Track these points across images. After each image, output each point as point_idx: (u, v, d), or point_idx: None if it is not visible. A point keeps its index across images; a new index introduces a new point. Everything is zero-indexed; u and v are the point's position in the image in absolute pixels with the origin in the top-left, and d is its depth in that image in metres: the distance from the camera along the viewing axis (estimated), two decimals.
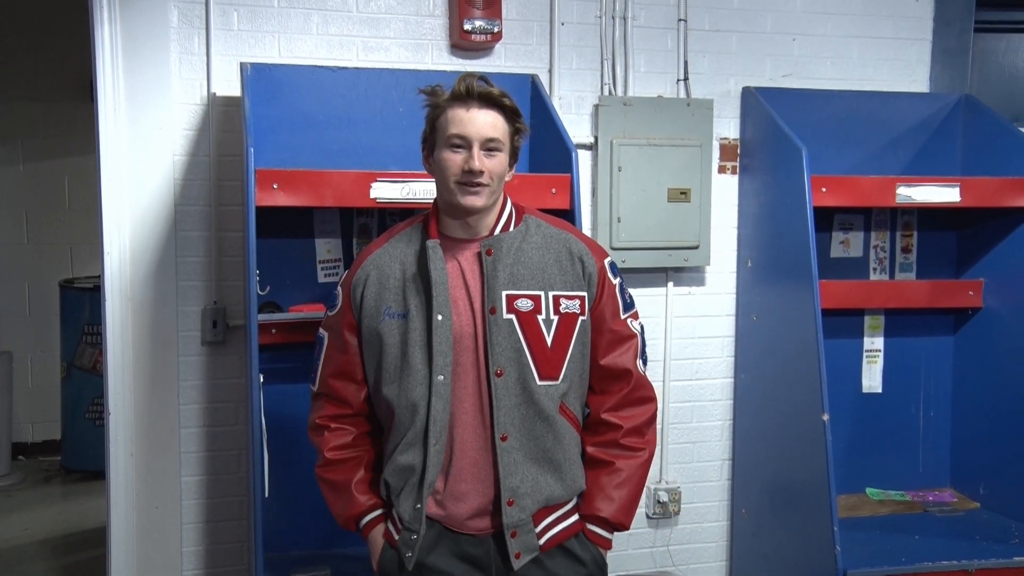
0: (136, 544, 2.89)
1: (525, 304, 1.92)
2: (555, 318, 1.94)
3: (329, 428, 2.03)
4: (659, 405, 3.17)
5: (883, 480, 3.29)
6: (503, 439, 1.90)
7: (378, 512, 2.01)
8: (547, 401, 1.92)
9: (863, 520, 3.02)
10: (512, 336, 1.91)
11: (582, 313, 1.97)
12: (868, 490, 3.26)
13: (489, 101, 1.90)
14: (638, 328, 2.06)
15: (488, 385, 1.90)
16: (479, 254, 1.94)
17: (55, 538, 4.45)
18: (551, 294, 1.94)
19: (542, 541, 1.94)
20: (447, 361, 1.89)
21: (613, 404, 2.02)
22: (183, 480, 2.92)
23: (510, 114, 1.93)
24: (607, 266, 2.03)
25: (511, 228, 1.98)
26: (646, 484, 3.19)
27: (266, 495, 2.46)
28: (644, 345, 2.07)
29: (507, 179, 1.97)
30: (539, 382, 1.91)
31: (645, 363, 2.07)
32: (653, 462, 3.20)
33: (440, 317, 1.89)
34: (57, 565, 4.13)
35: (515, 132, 1.96)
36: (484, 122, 1.89)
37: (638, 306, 3.15)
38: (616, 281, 2.03)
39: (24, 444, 5.72)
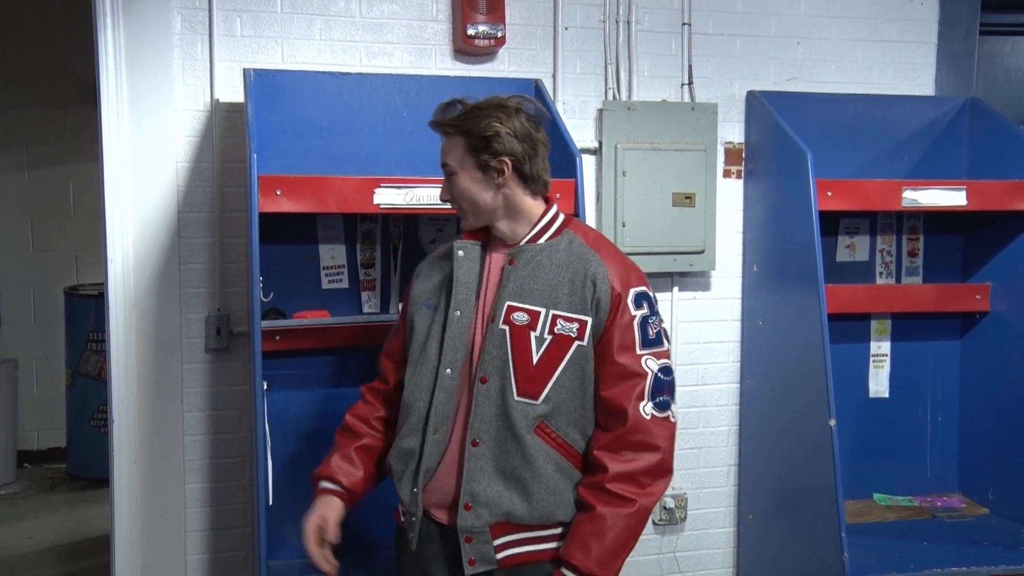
0: (140, 552, 2.88)
1: (521, 317, 1.91)
2: (548, 337, 1.90)
3: (364, 398, 2.19)
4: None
5: (891, 486, 3.27)
6: (474, 444, 1.91)
7: (336, 487, 2.06)
8: (520, 418, 1.88)
9: (871, 526, 3.00)
10: (502, 346, 1.90)
11: (580, 338, 1.90)
12: (875, 496, 3.24)
13: (438, 129, 1.98)
14: (655, 367, 1.89)
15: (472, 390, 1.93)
16: (505, 261, 1.97)
17: (60, 546, 4.45)
18: (552, 312, 1.90)
19: (500, 556, 1.91)
20: (457, 356, 1.93)
21: (606, 443, 1.89)
22: (187, 488, 2.91)
23: (461, 132, 1.92)
24: (631, 295, 1.91)
25: (542, 239, 1.96)
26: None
27: (270, 503, 2.46)
28: (662, 389, 1.90)
29: (500, 185, 1.93)
30: (516, 397, 1.89)
31: (661, 409, 1.89)
32: None
33: (458, 313, 1.94)
34: (62, 572, 4.13)
35: (477, 146, 1.90)
36: (441, 150, 1.99)
37: None
38: (638, 313, 1.90)
39: (29, 451, 5.72)
